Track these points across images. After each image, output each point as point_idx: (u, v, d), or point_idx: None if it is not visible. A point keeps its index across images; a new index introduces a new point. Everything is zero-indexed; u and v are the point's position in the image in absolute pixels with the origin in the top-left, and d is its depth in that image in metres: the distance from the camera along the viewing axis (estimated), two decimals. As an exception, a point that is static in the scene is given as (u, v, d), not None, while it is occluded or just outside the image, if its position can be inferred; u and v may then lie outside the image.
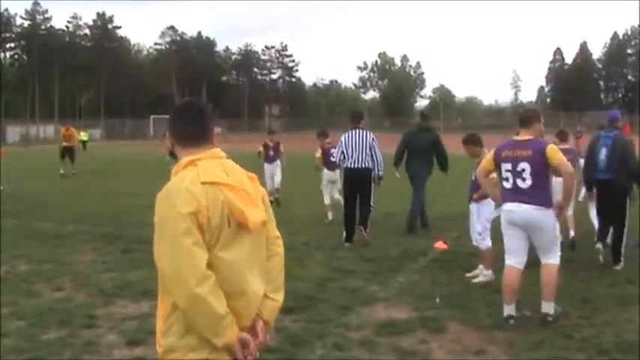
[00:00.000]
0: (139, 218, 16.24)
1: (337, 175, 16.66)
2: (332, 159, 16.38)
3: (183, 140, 3.69)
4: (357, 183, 13.83)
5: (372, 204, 14.01)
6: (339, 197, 16.43)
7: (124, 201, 20.76)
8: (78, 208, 19.16)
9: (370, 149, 13.74)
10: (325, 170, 17.35)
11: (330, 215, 16.85)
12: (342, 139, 14.00)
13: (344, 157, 13.91)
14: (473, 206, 10.65)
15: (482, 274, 10.51)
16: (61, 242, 13.80)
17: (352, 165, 13.79)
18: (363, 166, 13.73)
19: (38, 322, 8.24)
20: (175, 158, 3.75)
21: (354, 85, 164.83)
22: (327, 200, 17.13)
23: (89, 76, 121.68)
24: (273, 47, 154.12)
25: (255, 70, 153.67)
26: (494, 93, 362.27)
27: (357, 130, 13.89)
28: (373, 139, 13.87)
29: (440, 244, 12.73)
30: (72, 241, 13.89)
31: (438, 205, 18.47)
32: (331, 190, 17.14)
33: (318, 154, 17.69)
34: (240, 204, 3.47)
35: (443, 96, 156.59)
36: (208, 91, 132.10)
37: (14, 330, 7.98)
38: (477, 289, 10.02)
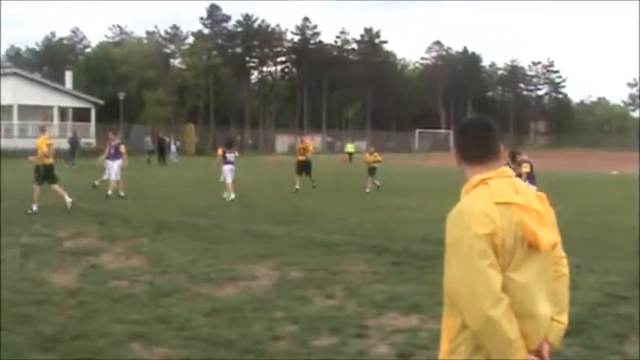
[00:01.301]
0: (406, 232, 16.37)
1: None
2: None
3: (470, 159, 3.62)
4: None
5: None
6: None
7: (390, 214, 20.88)
8: (345, 219, 19.44)
9: None
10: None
11: None
12: None
13: None
14: None
15: None
16: (329, 251, 14.02)
17: None
18: None
19: (310, 327, 8.39)
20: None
21: (623, 102, 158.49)
22: None
23: (356, 89, 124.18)
24: (539, 63, 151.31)
25: (521, 85, 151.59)
26: None
27: None
28: None
29: None
30: (340, 251, 14.07)
31: None
32: None
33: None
34: (533, 225, 3.36)
35: None
36: (473, 107, 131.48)
37: (288, 334, 8.18)
38: None
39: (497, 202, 3.34)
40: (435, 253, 13.39)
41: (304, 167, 30.13)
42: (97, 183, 26.68)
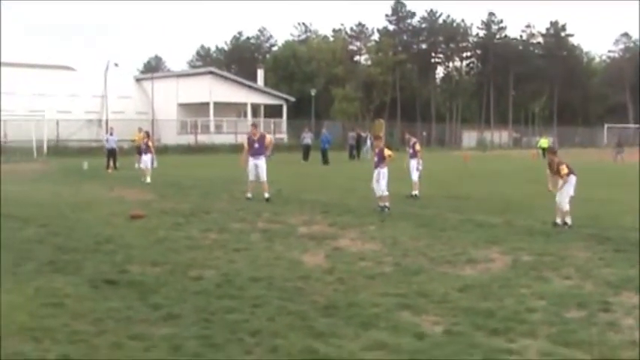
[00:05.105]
0: (619, 222, 17.01)
1: None
2: None
3: None
4: None
5: None
6: None
7: (597, 206, 20.98)
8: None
9: None
10: None
11: None
12: None
13: None
14: None
15: None
16: (550, 239, 14.81)
17: None
18: None
19: (558, 302, 9.36)
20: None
21: None
22: None
23: (542, 84, 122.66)
24: None
25: None
26: None
27: None
28: None
29: None
30: (560, 239, 14.81)
31: None
32: None
33: None
34: None
35: None
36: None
37: (540, 307, 9.19)
38: None
39: None
40: (654, 242, 14.19)
41: None
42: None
